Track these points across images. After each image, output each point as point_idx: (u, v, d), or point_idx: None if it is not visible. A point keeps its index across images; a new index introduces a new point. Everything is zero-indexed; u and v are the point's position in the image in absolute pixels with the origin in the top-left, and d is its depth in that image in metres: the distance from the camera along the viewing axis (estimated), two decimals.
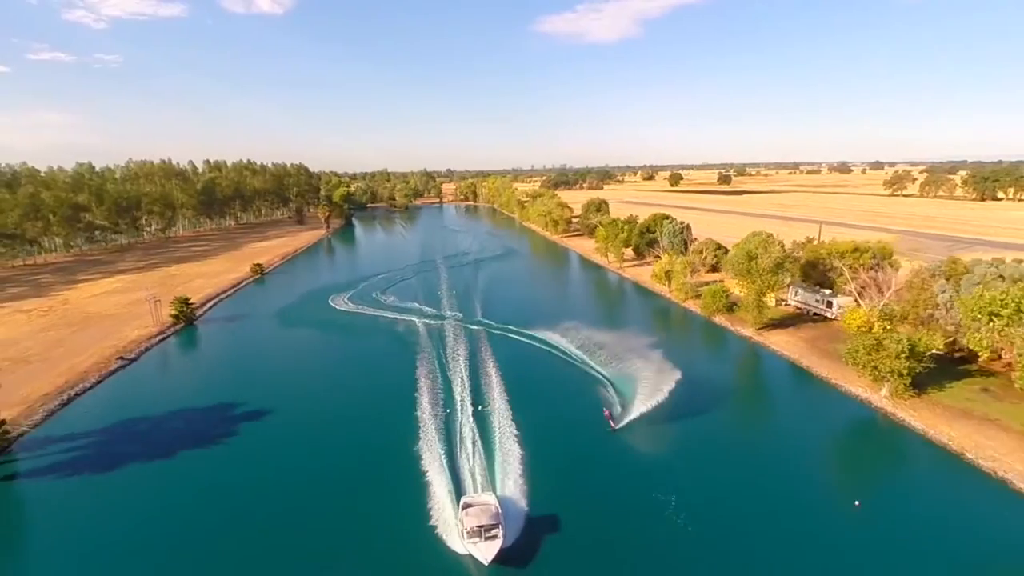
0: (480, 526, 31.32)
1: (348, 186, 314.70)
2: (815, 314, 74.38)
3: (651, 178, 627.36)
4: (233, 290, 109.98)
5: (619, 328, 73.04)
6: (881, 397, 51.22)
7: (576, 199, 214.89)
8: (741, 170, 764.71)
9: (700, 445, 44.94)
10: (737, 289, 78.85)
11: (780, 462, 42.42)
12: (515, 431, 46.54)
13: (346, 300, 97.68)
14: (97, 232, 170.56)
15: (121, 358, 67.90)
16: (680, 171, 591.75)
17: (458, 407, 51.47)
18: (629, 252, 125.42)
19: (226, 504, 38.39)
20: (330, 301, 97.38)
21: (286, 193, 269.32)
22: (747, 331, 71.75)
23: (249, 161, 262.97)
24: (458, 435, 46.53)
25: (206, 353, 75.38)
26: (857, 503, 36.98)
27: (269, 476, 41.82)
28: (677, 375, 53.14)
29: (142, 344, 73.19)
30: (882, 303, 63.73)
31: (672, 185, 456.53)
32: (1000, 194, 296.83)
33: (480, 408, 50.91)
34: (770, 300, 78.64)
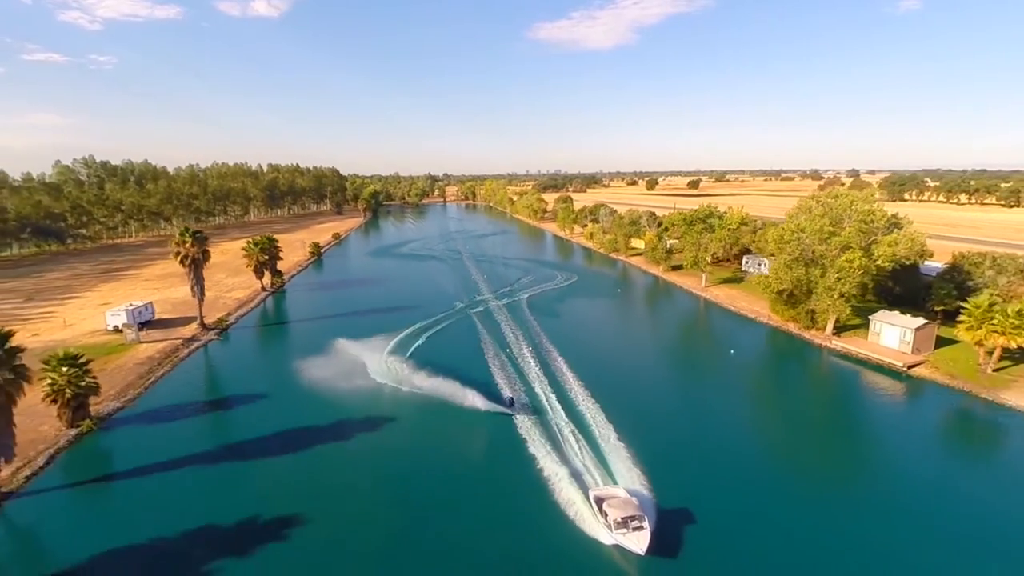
0: (625, 518, 31.28)
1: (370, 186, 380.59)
2: None
3: (634, 183, 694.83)
4: (327, 247, 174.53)
5: (563, 259, 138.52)
6: (661, 272, 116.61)
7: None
8: (721, 176, 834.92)
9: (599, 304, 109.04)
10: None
11: (621, 305, 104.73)
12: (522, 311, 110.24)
13: (404, 250, 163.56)
14: (202, 215, 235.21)
15: (299, 265, 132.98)
16: (667, 176, 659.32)
17: (491, 305, 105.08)
18: (579, 228, 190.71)
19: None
20: (394, 250, 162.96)
21: (324, 191, 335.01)
22: (622, 257, 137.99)
23: (297, 165, 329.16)
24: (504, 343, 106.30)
25: (338, 265, 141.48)
26: (619, 290, 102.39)
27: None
28: (592, 274, 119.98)
29: (305, 262, 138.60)
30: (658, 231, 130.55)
31: (648, 189, 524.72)
32: (906, 196, 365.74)
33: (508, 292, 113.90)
34: (640, 244, 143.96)
